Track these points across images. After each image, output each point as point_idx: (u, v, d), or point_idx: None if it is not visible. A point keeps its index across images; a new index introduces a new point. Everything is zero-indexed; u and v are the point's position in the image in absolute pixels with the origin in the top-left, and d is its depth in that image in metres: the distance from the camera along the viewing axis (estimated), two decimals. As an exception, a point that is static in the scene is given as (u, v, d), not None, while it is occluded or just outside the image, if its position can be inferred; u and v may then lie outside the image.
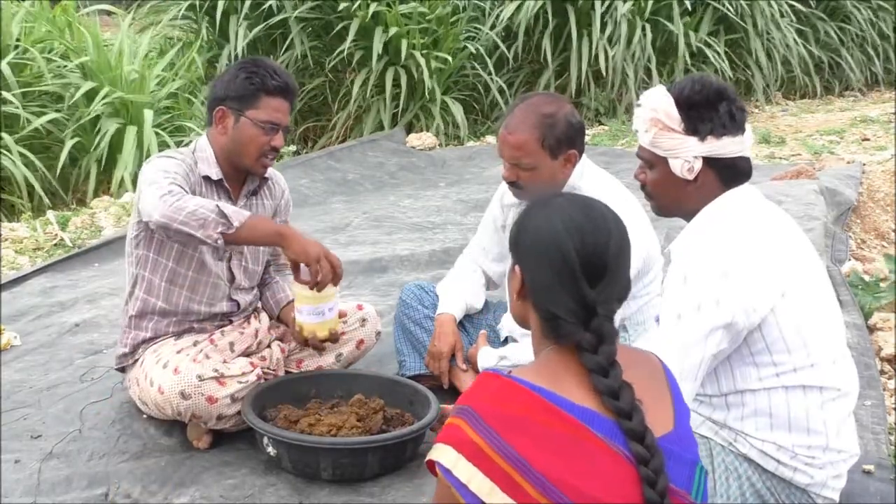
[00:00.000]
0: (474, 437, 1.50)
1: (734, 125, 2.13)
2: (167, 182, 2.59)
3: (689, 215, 2.21)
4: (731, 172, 2.16)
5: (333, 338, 2.83)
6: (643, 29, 8.18)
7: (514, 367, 2.79)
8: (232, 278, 2.90)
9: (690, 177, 2.14)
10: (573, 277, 1.58)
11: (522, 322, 1.73)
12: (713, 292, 2.03)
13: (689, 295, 2.05)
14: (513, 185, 2.79)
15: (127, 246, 2.86)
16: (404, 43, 7.27)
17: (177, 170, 2.69)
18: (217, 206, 2.53)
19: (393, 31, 7.24)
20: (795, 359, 2.09)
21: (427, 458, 1.58)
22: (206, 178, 2.78)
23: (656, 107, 2.15)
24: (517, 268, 1.66)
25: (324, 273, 2.59)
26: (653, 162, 2.21)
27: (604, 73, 8.05)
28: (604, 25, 8.02)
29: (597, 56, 7.99)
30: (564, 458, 1.48)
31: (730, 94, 2.15)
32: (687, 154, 2.13)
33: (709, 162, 2.14)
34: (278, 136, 2.75)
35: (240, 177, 2.85)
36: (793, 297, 2.08)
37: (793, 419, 2.10)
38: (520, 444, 1.49)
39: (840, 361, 2.16)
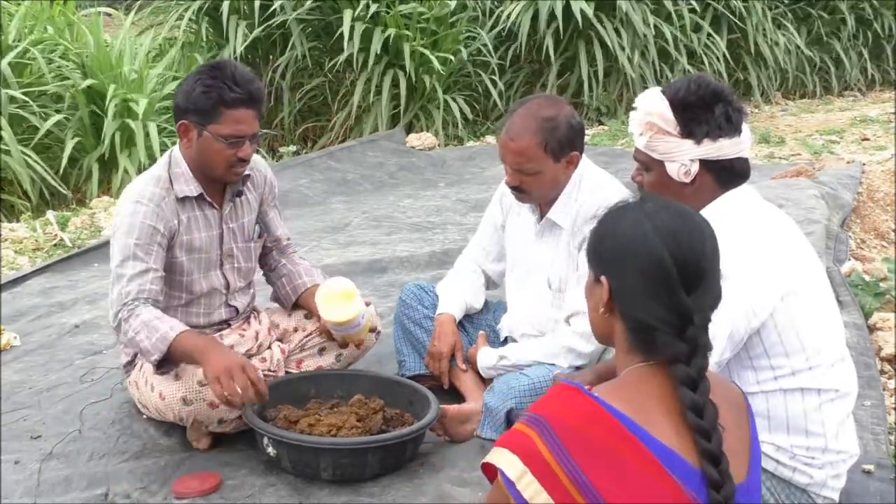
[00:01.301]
0: (544, 451, 1.43)
1: (730, 127, 2.11)
2: (128, 274, 2.60)
3: None
4: (728, 174, 2.15)
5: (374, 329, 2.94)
6: (647, 28, 8.21)
7: (514, 366, 2.82)
8: (227, 284, 2.88)
9: (687, 180, 2.13)
10: (669, 285, 1.50)
11: (604, 339, 1.64)
12: None
13: None
14: (516, 189, 2.79)
15: None
16: (406, 45, 7.28)
17: (143, 233, 2.63)
18: (147, 329, 2.54)
19: (392, 31, 7.24)
20: (793, 362, 2.08)
21: (486, 461, 1.50)
22: (185, 198, 2.73)
23: (651, 110, 2.13)
24: (603, 279, 1.57)
25: (230, 391, 2.45)
26: (649, 165, 2.19)
27: (606, 73, 8.09)
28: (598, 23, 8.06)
29: (598, 55, 8.02)
30: (633, 492, 1.42)
31: (726, 96, 2.14)
32: (683, 157, 2.12)
33: (705, 164, 2.12)
34: (245, 147, 2.66)
35: (219, 185, 2.79)
36: (791, 301, 2.07)
37: (791, 421, 2.10)
38: (590, 468, 1.42)
39: (838, 364, 2.15)
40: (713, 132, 2.10)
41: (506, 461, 1.46)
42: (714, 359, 2.03)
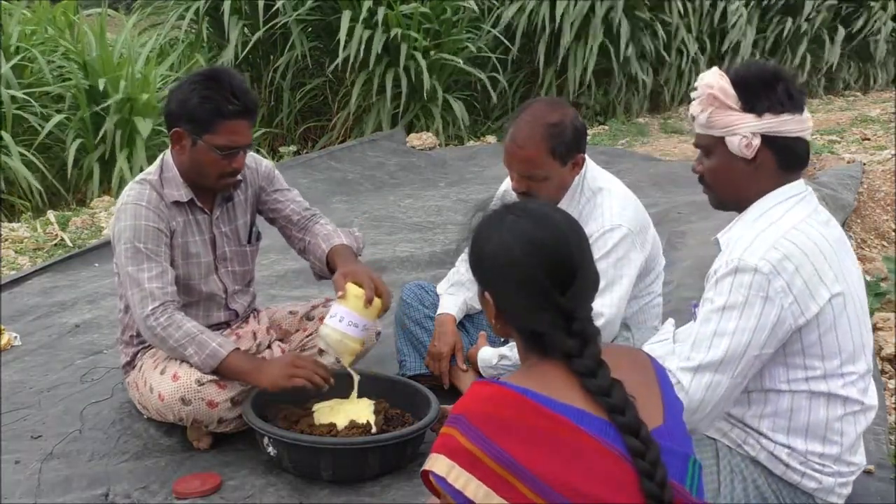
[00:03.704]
0: (467, 444, 1.50)
1: (792, 103, 2.06)
2: (146, 277, 2.61)
3: (743, 204, 2.14)
4: (789, 154, 2.09)
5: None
6: (643, 29, 8.23)
7: (514, 366, 2.82)
8: (225, 288, 2.88)
9: (749, 154, 2.07)
10: (543, 292, 1.56)
11: (507, 338, 1.70)
12: (763, 287, 1.98)
13: (738, 287, 1.99)
14: (524, 195, 2.78)
15: (114, 272, 2.83)
16: (404, 46, 7.28)
17: (149, 237, 2.64)
18: (195, 344, 2.59)
19: (394, 32, 7.24)
20: (828, 366, 2.05)
21: (421, 469, 1.57)
22: (176, 203, 2.73)
23: (711, 83, 2.08)
24: (487, 295, 1.64)
25: (307, 378, 2.62)
26: (710, 147, 2.14)
27: (605, 73, 8.12)
28: (601, 27, 8.09)
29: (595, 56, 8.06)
30: (557, 458, 1.48)
31: (786, 75, 2.09)
32: (745, 130, 2.06)
33: (767, 142, 2.07)
34: (238, 158, 2.66)
35: (210, 190, 2.78)
36: (838, 303, 2.03)
37: (811, 426, 2.07)
38: (512, 447, 1.48)
39: (867, 376, 2.13)
40: (775, 107, 2.05)
41: (435, 463, 1.53)
42: (753, 352, 2.00)
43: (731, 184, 2.14)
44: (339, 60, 7.18)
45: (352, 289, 2.63)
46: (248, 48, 7.50)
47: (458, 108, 7.56)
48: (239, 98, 2.60)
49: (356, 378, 2.71)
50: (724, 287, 2.02)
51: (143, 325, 2.64)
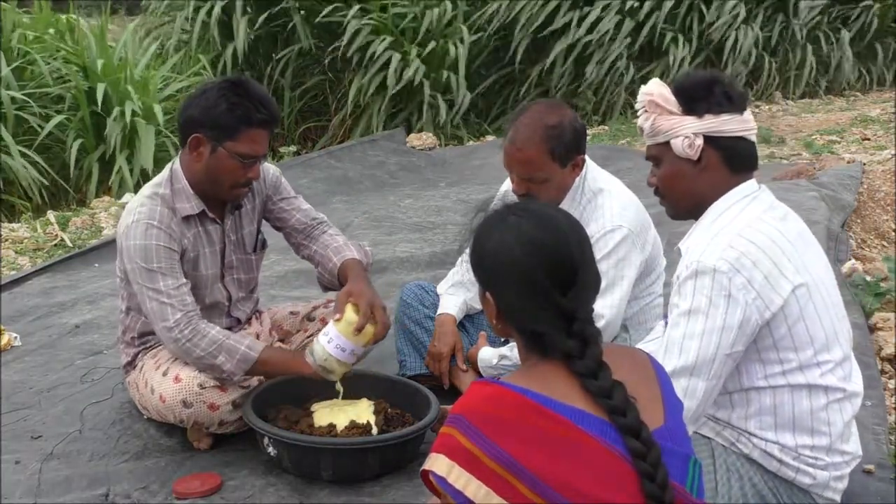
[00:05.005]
0: (467, 444, 1.50)
1: (731, 105, 2.12)
2: (164, 290, 2.58)
3: (699, 209, 2.18)
4: (733, 153, 2.14)
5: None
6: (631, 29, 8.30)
7: (514, 366, 2.82)
8: (229, 296, 2.87)
9: (693, 154, 2.12)
10: (543, 293, 1.57)
11: (508, 338, 1.70)
12: (724, 286, 2.02)
13: (700, 289, 2.03)
14: (524, 196, 2.77)
15: (115, 275, 2.81)
16: (404, 39, 7.31)
17: (161, 256, 2.60)
18: (224, 352, 2.58)
19: (390, 38, 7.28)
20: (802, 357, 2.07)
21: (421, 469, 1.57)
22: (188, 217, 2.70)
23: (651, 90, 2.15)
24: (488, 295, 1.64)
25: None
26: (658, 156, 2.19)
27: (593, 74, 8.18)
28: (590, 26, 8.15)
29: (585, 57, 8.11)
30: (557, 458, 1.48)
31: (724, 79, 2.16)
32: (686, 130, 2.12)
33: (710, 141, 2.12)
34: (255, 168, 2.65)
35: (220, 200, 2.76)
36: (802, 294, 2.06)
37: (797, 419, 2.09)
38: (512, 447, 1.49)
39: (846, 363, 2.15)
40: (714, 108, 2.12)
41: (435, 462, 1.53)
42: (724, 350, 2.03)
43: (683, 189, 2.19)
44: (342, 43, 7.15)
45: (349, 313, 2.64)
46: (250, 44, 7.50)
47: (443, 107, 7.58)
48: (265, 107, 2.61)
49: (340, 391, 2.72)
50: (687, 290, 2.06)
51: (166, 337, 2.60)
